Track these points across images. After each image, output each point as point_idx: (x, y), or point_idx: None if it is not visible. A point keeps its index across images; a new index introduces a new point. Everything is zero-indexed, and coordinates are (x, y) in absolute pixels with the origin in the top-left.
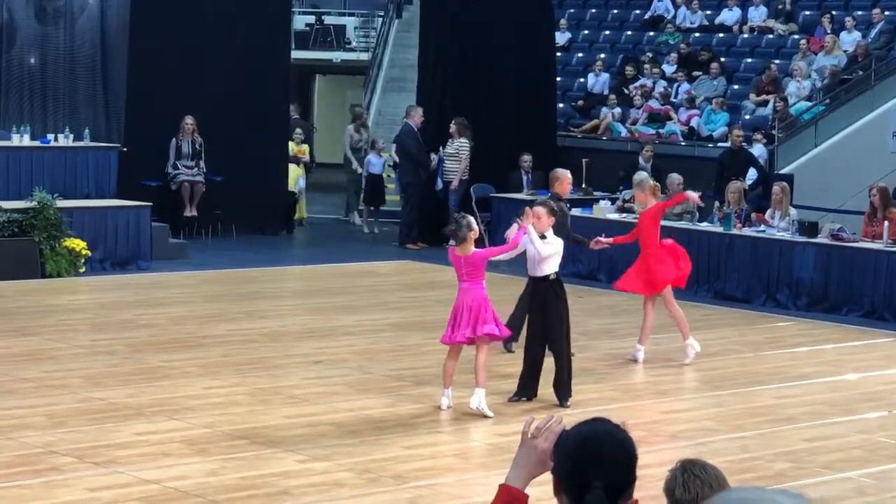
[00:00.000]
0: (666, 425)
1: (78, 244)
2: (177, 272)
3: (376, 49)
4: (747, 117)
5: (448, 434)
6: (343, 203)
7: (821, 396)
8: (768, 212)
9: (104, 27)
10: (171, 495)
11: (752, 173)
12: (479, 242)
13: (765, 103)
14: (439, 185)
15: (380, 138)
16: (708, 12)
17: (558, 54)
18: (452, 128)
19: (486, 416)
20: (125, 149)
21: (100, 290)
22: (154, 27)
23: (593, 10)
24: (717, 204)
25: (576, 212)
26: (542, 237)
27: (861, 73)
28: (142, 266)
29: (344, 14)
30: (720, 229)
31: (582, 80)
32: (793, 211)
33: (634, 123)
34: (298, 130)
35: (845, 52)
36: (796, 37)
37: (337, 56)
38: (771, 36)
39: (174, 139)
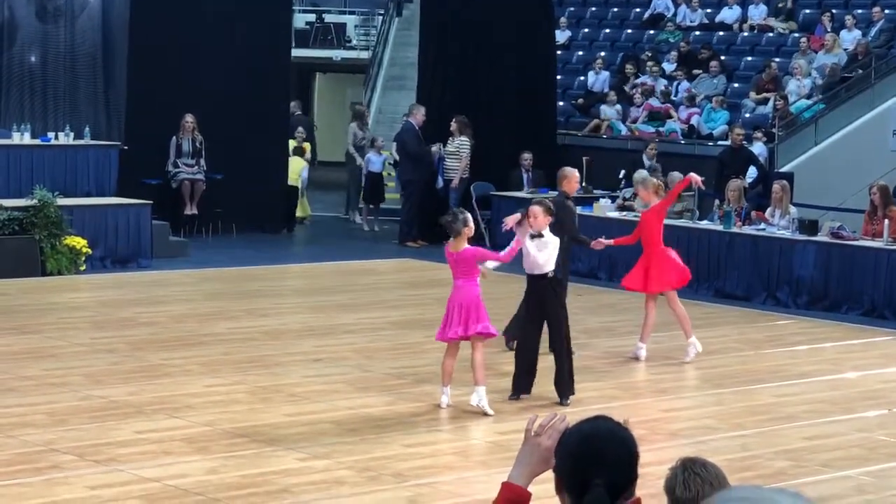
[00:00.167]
0: (666, 423)
1: (78, 242)
2: (177, 270)
3: (376, 47)
4: (747, 115)
5: (448, 432)
6: (343, 201)
7: (821, 395)
8: (768, 210)
9: (105, 25)
10: (172, 493)
11: (752, 171)
12: (479, 240)
13: (765, 101)
14: (440, 183)
15: (379, 136)
16: (708, 10)
17: (558, 52)
18: (453, 126)
19: (486, 414)
20: (126, 147)
21: (100, 288)
22: (154, 25)
23: (593, 9)
24: (717, 202)
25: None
26: (540, 235)
27: (861, 71)
28: (142, 264)
29: (344, 12)
30: (720, 227)
31: (582, 78)
32: (793, 209)
33: (634, 122)
34: (301, 129)
35: (845, 50)
36: (796, 35)
37: (337, 54)
38: (771, 34)
39: (174, 137)
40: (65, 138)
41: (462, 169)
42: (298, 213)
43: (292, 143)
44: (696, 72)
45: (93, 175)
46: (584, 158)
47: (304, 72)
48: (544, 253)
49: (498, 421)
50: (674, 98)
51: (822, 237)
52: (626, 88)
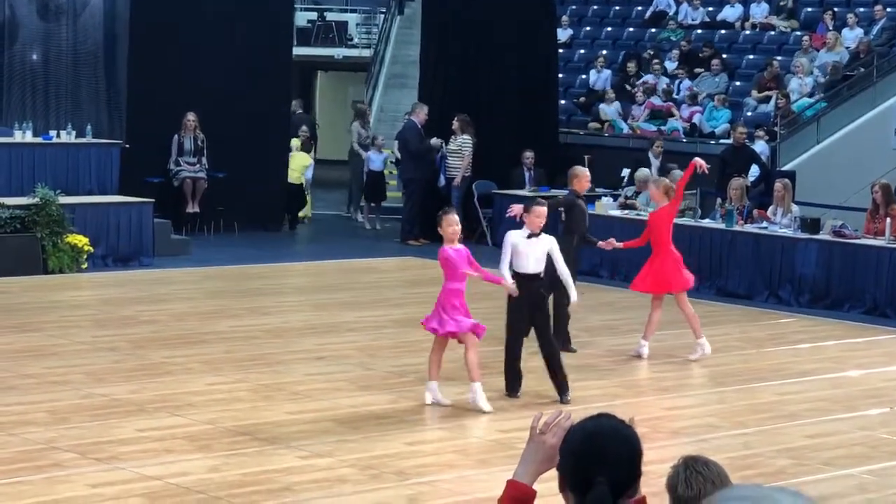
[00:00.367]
0: (668, 422)
1: (80, 240)
2: (179, 268)
3: (378, 46)
4: (749, 114)
5: (450, 430)
6: (344, 199)
7: (823, 393)
8: (770, 208)
9: (106, 23)
10: (173, 491)
11: (754, 170)
12: (480, 238)
13: (767, 100)
14: (442, 181)
15: (380, 135)
16: (710, 8)
17: (560, 51)
18: (455, 124)
19: (484, 412)
20: (127, 145)
21: (102, 286)
22: (156, 23)
23: (595, 7)
24: (719, 201)
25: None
26: (536, 235)
27: (863, 69)
28: (144, 262)
29: (346, 10)
30: (722, 226)
31: (584, 76)
32: (795, 208)
33: (636, 120)
34: (304, 128)
35: (847, 48)
36: (798, 33)
37: (339, 52)
38: (773, 32)
39: (176, 136)
40: (66, 136)
41: (464, 167)
42: (301, 212)
43: (296, 142)
44: (697, 70)
45: (94, 173)
46: (585, 157)
47: (306, 70)
48: (538, 253)
49: (499, 419)
50: (676, 96)
51: (824, 235)
52: (628, 87)
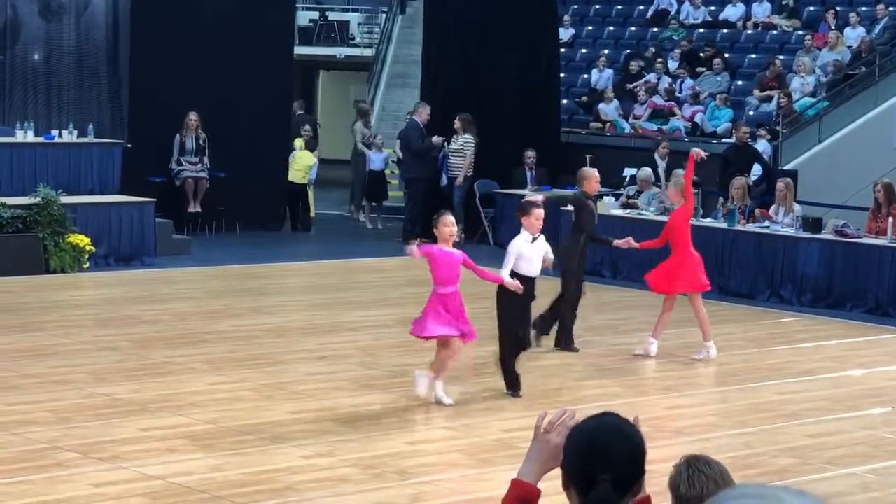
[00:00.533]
0: (670, 421)
1: (82, 240)
2: (181, 268)
3: (380, 45)
4: (751, 113)
5: (452, 430)
6: (346, 199)
7: (825, 392)
8: (772, 208)
9: (108, 23)
10: (176, 491)
11: (756, 169)
12: (483, 237)
13: (769, 99)
14: (444, 181)
15: (381, 134)
16: (712, 8)
17: (562, 50)
18: (457, 124)
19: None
20: (129, 145)
21: (104, 285)
22: (157, 23)
23: (597, 6)
24: (721, 200)
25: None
26: (535, 238)
27: (865, 69)
28: (146, 262)
29: (348, 10)
30: (724, 225)
31: (585, 76)
32: (797, 207)
33: (637, 119)
34: (307, 127)
35: (849, 47)
36: (800, 33)
37: (341, 52)
38: (775, 32)
39: (178, 135)
40: (68, 136)
41: (466, 167)
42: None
43: (300, 142)
44: (699, 69)
45: (96, 173)
46: (587, 156)
47: (308, 70)
48: (539, 256)
49: (502, 418)
50: (678, 95)
51: (826, 235)
52: (630, 86)
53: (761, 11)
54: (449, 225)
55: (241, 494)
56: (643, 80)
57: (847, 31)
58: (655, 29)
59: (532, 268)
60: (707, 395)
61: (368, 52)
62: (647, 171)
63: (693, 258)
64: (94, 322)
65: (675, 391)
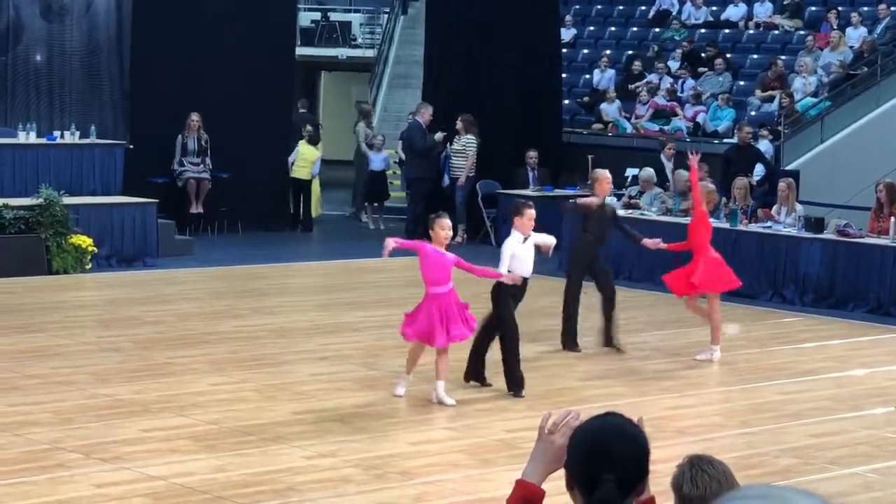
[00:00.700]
0: (672, 421)
1: (84, 241)
2: (183, 269)
3: (382, 46)
4: (753, 113)
5: (454, 430)
6: (348, 199)
7: (827, 392)
8: (774, 208)
9: (110, 24)
10: (178, 491)
11: (758, 169)
12: (485, 237)
13: (770, 99)
14: (446, 181)
15: (379, 135)
16: (713, 8)
17: (564, 50)
18: (459, 124)
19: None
20: (131, 146)
21: (106, 286)
22: (159, 24)
23: (598, 7)
24: (723, 200)
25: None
26: (527, 238)
27: (867, 69)
28: (148, 263)
29: (350, 11)
30: (726, 225)
31: (587, 76)
32: (799, 207)
33: (639, 119)
34: (309, 127)
35: (851, 47)
36: (802, 33)
37: (342, 53)
38: (777, 32)
39: (180, 136)
40: (70, 137)
41: (468, 167)
42: (314, 212)
43: (302, 143)
44: (701, 69)
45: (98, 174)
46: (589, 156)
47: (310, 70)
48: (531, 255)
49: (504, 419)
50: (679, 95)
51: (828, 235)
52: (632, 86)
53: (763, 11)
54: (445, 228)
55: (243, 495)
56: (645, 80)
57: (849, 31)
58: (657, 29)
59: (525, 268)
60: (710, 395)
61: (370, 53)
62: (648, 171)
63: (711, 259)
64: (97, 323)
65: (677, 391)
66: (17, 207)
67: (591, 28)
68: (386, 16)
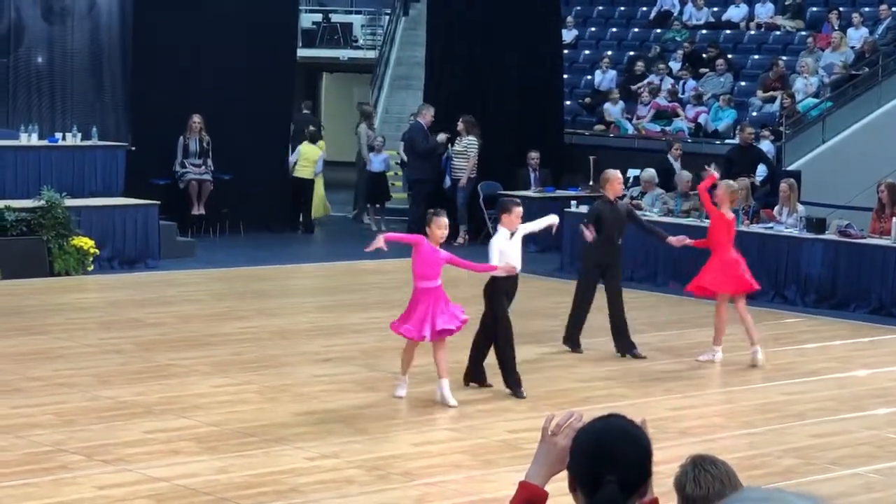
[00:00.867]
0: (674, 422)
1: (86, 243)
2: (185, 270)
3: (383, 47)
4: (754, 114)
5: (456, 431)
6: (349, 201)
7: (829, 393)
8: (776, 208)
9: (112, 25)
10: (181, 493)
11: (760, 170)
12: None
13: (772, 100)
14: (448, 182)
15: (380, 136)
16: (715, 9)
17: (565, 51)
18: (460, 126)
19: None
20: (133, 147)
21: (108, 288)
22: (160, 25)
23: (600, 7)
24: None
25: (584, 209)
26: (513, 234)
27: (868, 69)
28: (150, 264)
29: (351, 12)
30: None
31: (589, 77)
32: (800, 207)
33: (640, 120)
34: (311, 127)
35: (852, 48)
36: (803, 33)
37: (344, 54)
38: (778, 32)
39: (181, 137)
40: (72, 139)
41: (469, 168)
42: (317, 213)
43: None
44: (702, 70)
45: (100, 176)
46: (590, 157)
47: (311, 72)
48: (519, 250)
49: (506, 419)
50: (681, 96)
51: (829, 235)
52: (633, 87)
53: (764, 12)
54: (442, 227)
55: (246, 496)
56: (646, 81)
57: (850, 31)
58: (658, 30)
59: (514, 263)
60: (712, 396)
61: (372, 54)
62: (650, 172)
63: (728, 259)
64: (99, 325)
65: (679, 392)
66: (18, 209)
67: (593, 29)
68: (387, 17)
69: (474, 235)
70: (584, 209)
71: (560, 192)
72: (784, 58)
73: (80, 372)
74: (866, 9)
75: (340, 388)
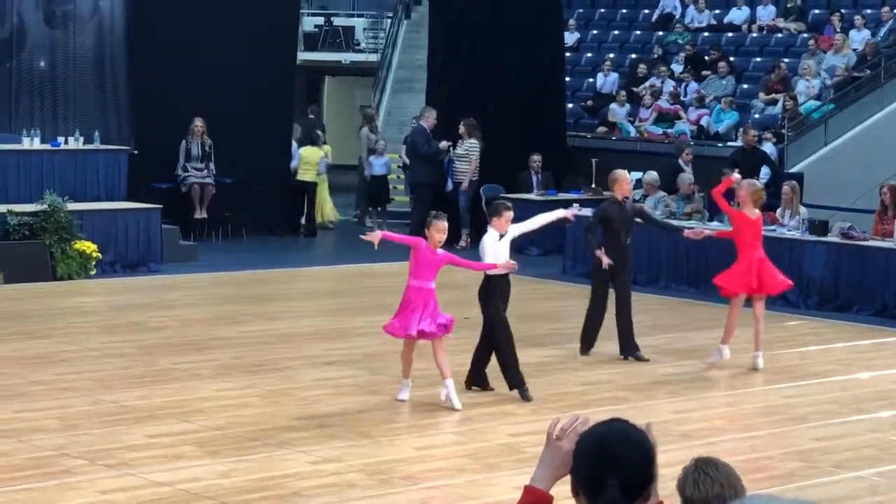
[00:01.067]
0: (677, 425)
1: (88, 247)
2: (187, 274)
3: (385, 50)
4: (756, 116)
5: (459, 434)
6: (351, 204)
7: (832, 395)
8: (778, 211)
9: (114, 30)
10: (183, 497)
11: (763, 172)
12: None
13: (774, 102)
14: (449, 185)
15: (381, 139)
16: (716, 11)
17: (567, 54)
18: (462, 129)
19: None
20: (135, 151)
21: (110, 292)
22: (162, 30)
23: (602, 10)
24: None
25: (586, 212)
26: (503, 235)
27: (870, 71)
28: (152, 268)
29: (353, 15)
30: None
31: (591, 80)
32: (803, 210)
33: (643, 122)
34: (318, 132)
35: (854, 50)
36: (805, 35)
37: (346, 57)
38: (780, 35)
39: (183, 141)
40: (74, 143)
41: (471, 172)
42: (321, 217)
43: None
44: (704, 73)
45: (102, 179)
46: (592, 160)
47: (314, 75)
48: (507, 252)
49: (509, 423)
50: (683, 99)
51: (832, 237)
52: (635, 90)
53: (766, 14)
54: (441, 231)
55: (248, 500)
56: (648, 83)
57: (852, 33)
58: (660, 33)
59: (507, 265)
60: (714, 399)
61: (374, 58)
62: (652, 174)
63: (749, 260)
64: (101, 329)
65: (681, 394)
66: (21, 213)
67: (595, 32)
68: (389, 20)
69: (476, 239)
70: (586, 212)
71: (562, 195)
72: (786, 60)
73: (83, 376)
74: (868, 11)
75: (343, 392)
